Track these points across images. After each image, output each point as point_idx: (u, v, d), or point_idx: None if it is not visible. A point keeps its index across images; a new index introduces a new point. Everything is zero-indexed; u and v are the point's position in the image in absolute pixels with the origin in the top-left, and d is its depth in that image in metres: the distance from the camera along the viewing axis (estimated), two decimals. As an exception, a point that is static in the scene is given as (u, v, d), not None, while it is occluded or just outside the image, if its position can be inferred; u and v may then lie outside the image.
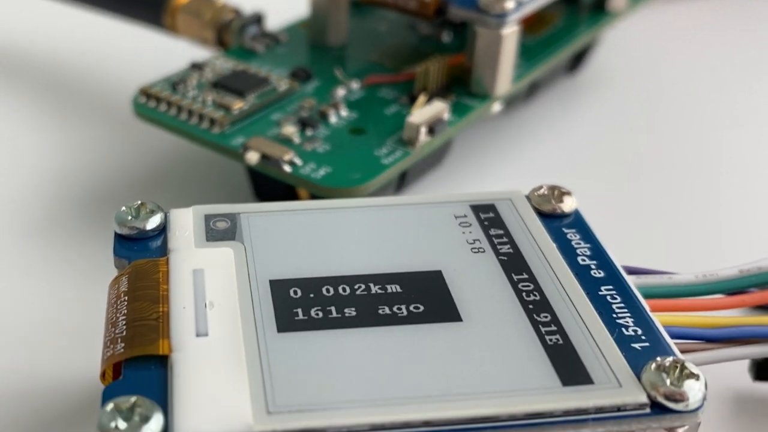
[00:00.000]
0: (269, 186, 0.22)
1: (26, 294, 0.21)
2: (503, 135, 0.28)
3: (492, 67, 0.23)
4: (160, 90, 0.23)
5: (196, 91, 0.23)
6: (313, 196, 0.22)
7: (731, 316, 0.17)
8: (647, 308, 0.16)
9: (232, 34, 0.25)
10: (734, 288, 0.18)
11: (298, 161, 0.21)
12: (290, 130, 0.21)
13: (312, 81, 0.24)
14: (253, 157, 0.20)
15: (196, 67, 0.24)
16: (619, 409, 0.14)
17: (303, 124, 0.22)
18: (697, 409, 0.14)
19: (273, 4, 0.29)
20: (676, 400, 0.14)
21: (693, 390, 0.14)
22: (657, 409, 0.14)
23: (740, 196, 0.26)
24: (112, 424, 0.13)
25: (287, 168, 0.20)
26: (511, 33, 0.23)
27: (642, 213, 0.25)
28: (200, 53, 0.27)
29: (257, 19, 0.26)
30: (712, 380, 0.20)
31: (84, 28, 0.32)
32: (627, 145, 0.29)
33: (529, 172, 0.26)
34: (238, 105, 0.22)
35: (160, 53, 0.28)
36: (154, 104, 0.22)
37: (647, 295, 0.17)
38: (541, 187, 0.18)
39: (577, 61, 0.31)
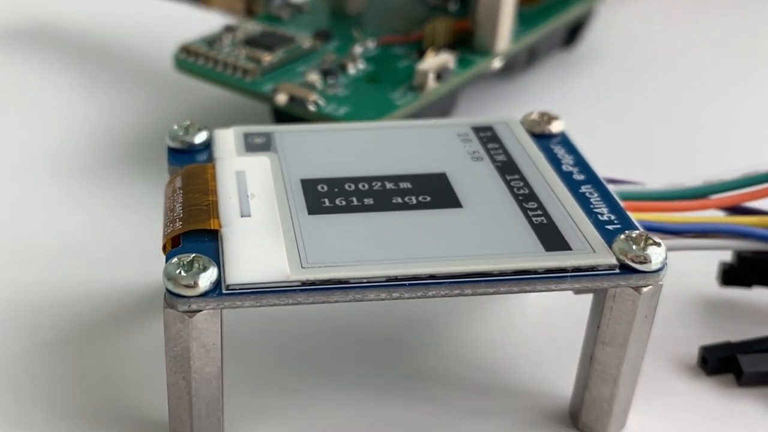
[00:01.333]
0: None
1: (84, 219, 0.24)
2: (504, 97, 0.31)
3: (492, 25, 0.26)
4: (198, 47, 0.26)
5: (230, 48, 0.26)
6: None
7: (696, 216, 0.20)
8: (621, 203, 0.18)
9: (260, 3, 0.28)
10: (699, 195, 0.20)
11: (321, 102, 0.24)
12: (314, 77, 0.24)
13: (333, 41, 0.27)
14: (282, 98, 0.23)
15: (230, 29, 0.27)
16: (593, 269, 0.16)
17: (325, 74, 0.25)
18: (659, 270, 0.16)
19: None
20: (641, 262, 0.16)
21: (655, 254, 0.16)
22: (625, 270, 0.16)
23: (711, 136, 0.30)
24: (177, 272, 0.15)
25: (312, 107, 0.23)
26: (509, -5, 0.26)
27: (627, 150, 0.28)
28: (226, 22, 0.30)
29: (282, -10, 0.29)
30: (685, 287, 0.23)
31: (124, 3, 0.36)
32: (617, 105, 0.32)
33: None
34: (267, 57, 0.25)
35: (188, 23, 0.32)
36: (193, 59, 0.25)
37: (622, 198, 0.19)
38: (532, 113, 0.21)
39: (572, 36, 0.34)
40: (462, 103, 0.28)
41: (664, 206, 0.20)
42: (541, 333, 0.21)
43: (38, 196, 0.25)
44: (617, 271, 0.16)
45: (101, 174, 0.26)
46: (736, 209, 0.20)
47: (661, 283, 0.17)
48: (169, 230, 0.17)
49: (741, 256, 0.22)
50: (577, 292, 0.18)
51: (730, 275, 0.22)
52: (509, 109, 0.31)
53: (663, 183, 0.20)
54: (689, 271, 0.23)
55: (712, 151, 0.29)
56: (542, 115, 0.21)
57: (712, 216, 0.20)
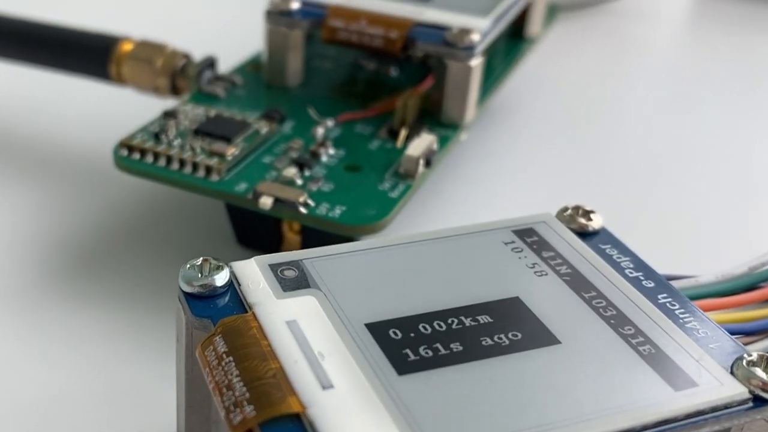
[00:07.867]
0: (251, 226, 0.22)
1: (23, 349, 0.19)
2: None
3: (462, 97, 0.24)
4: (141, 141, 0.22)
5: (179, 140, 0.22)
6: (304, 235, 0.22)
7: (750, 311, 0.19)
8: (701, 311, 0.17)
9: (189, 79, 0.25)
10: (749, 284, 0.19)
11: (311, 202, 0.20)
12: (291, 171, 0.21)
13: (287, 121, 0.24)
14: (267, 201, 0.20)
15: (169, 115, 0.23)
16: (726, 406, 0.15)
17: (300, 165, 0.22)
18: (788, 396, 0.15)
19: (197, 45, 0.28)
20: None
21: (784, 380, 0.15)
22: (758, 401, 0.15)
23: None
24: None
25: (303, 209, 0.20)
26: (478, 64, 0.24)
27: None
28: (161, 102, 0.26)
29: (210, 63, 0.25)
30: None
31: (28, 86, 0.31)
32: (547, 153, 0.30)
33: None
34: (231, 151, 0.21)
35: (109, 109, 0.27)
36: (138, 156, 0.22)
37: (682, 299, 0.18)
38: (567, 209, 0.19)
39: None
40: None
41: (725, 303, 0.19)
42: None
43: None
44: (751, 404, 0.15)
45: (36, 296, 0.21)
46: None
47: (786, 409, 0.15)
48: (239, 419, 0.14)
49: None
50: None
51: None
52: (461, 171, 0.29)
53: (713, 274, 0.19)
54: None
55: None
56: (576, 208, 0.19)
57: (773, 309, 0.19)
